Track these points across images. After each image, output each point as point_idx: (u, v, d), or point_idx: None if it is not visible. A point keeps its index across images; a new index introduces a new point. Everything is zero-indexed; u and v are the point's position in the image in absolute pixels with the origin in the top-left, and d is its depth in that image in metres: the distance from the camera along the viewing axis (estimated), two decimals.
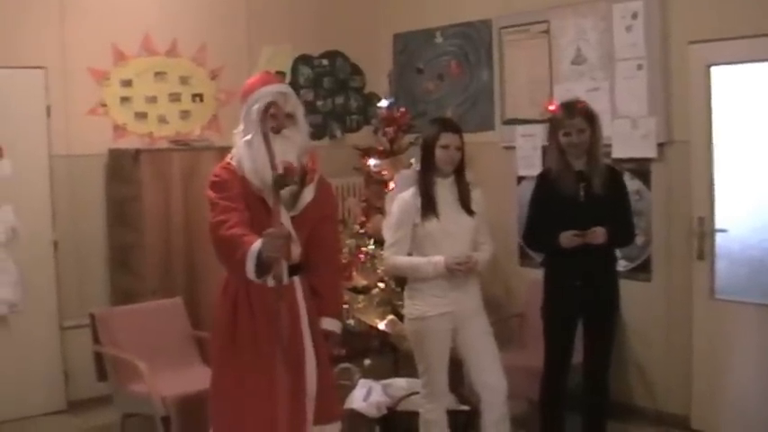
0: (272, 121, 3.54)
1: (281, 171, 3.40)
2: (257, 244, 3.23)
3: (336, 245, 4.18)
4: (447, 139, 4.35)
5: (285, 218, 3.53)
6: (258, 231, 3.32)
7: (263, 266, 3.27)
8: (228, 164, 3.65)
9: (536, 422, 4.84)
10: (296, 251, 3.63)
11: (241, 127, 3.67)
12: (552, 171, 4.66)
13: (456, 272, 4.27)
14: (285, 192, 3.48)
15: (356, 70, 7.56)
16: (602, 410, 4.73)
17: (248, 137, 3.58)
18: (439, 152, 4.34)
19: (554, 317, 4.69)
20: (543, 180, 4.74)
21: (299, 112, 3.76)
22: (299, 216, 3.65)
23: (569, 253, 4.47)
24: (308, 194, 3.70)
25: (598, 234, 4.44)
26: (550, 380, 4.73)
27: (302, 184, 3.67)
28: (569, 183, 4.55)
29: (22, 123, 5.82)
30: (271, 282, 3.36)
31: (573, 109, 4.59)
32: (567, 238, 4.45)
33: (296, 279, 3.73)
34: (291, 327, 3.60)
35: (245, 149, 3.59)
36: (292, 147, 3.64)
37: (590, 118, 4.55)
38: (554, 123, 4.66)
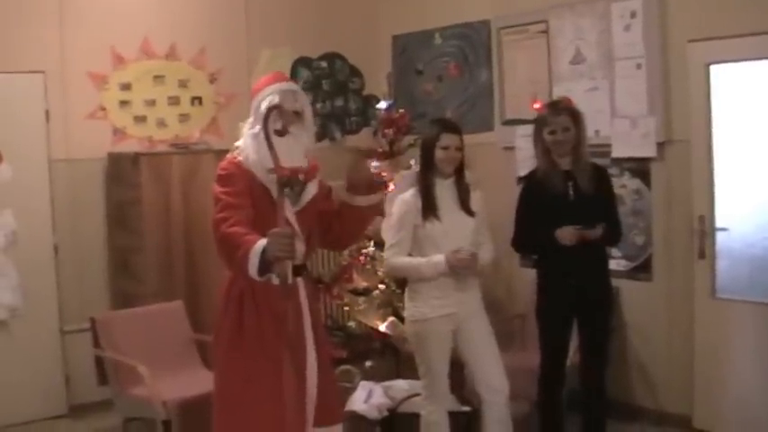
0: (279, 120, 3.52)
1: (286, 173, 3.39)
2: (261, 243, 3.22)
3: None
4: (447, 139, 4.34)
5: (289, 213, 3.52)
6: (263, 226, 3.30)
7: (265, 265, 3.26)
8: (235, 157, 3.65)
9: (537, 423, 4.83)
10: (300, 250, 3.61)
11: (250, 120, 3.67)
12: (539, 171, 4.66)
13: (457, 267, 4.26)
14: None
15: (355, 72, 7.55)
16: (600, 410, 4.72)
17: (255, 130, 3.58)
18: (439, 153, 4.33)
19: (550, 317, 4.68)
20: (531, 181, 4.74)
21: (308, 111, 3.75)
22: (302, 211, 3.64)
23: (564, 251, 4.46)
24: (312, 189, 3.69)
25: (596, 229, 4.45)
26: (547, 381, 4.72)
27: (306, 179, 3.66)
28: (557, 182, 4.55)
29: (21, 128, 5.82)
30: (274, 280, 3.35)
31: (558, 107, 4.63)
32: (569, 233, 4.43)
33: (299, 280, 3.72)
34: (295, 327, 3.59)
35: (251, 142, 3.59)
36: (299, 146, 3.62)
37: (575, 116, 4.56)
38: (539, 122, 4.66)
